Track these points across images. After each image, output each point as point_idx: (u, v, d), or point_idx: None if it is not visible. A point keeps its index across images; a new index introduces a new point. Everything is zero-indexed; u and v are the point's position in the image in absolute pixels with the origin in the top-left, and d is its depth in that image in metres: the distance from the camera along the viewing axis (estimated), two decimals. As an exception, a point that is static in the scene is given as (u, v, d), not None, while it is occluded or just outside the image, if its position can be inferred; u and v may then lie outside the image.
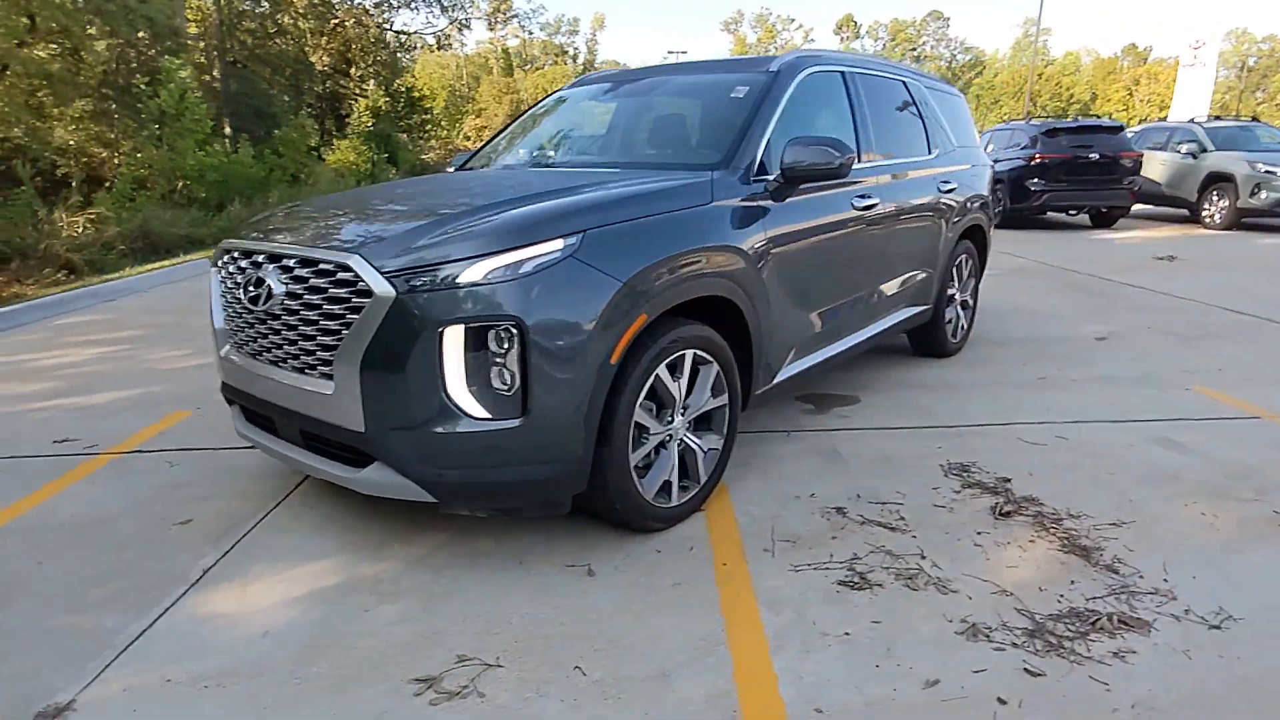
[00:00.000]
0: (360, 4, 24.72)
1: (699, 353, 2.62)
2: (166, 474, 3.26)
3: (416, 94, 26.85)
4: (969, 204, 4.61)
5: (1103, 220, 12.54)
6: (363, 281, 2.18)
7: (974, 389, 4.17)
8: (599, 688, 1.89)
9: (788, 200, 3.03)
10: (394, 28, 26.86)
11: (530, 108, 4.24)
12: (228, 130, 17.54)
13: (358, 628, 2.15)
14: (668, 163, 3.18)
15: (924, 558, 2.45)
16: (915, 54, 61.63)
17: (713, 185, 2.76)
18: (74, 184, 11.44)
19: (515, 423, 2.17)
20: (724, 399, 2.78)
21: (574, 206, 2.40)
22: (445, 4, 27.09)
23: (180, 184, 12.17)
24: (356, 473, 2.35)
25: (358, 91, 24.63)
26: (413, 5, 26.52)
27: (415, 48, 29.36)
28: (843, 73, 3.69)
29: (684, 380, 2.59)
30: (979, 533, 2.61)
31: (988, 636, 2.04)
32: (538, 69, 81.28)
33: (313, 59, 23.32)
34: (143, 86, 13.52)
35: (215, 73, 19.74)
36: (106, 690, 1.91)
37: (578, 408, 2.23)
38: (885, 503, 2.84)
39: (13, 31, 12.92)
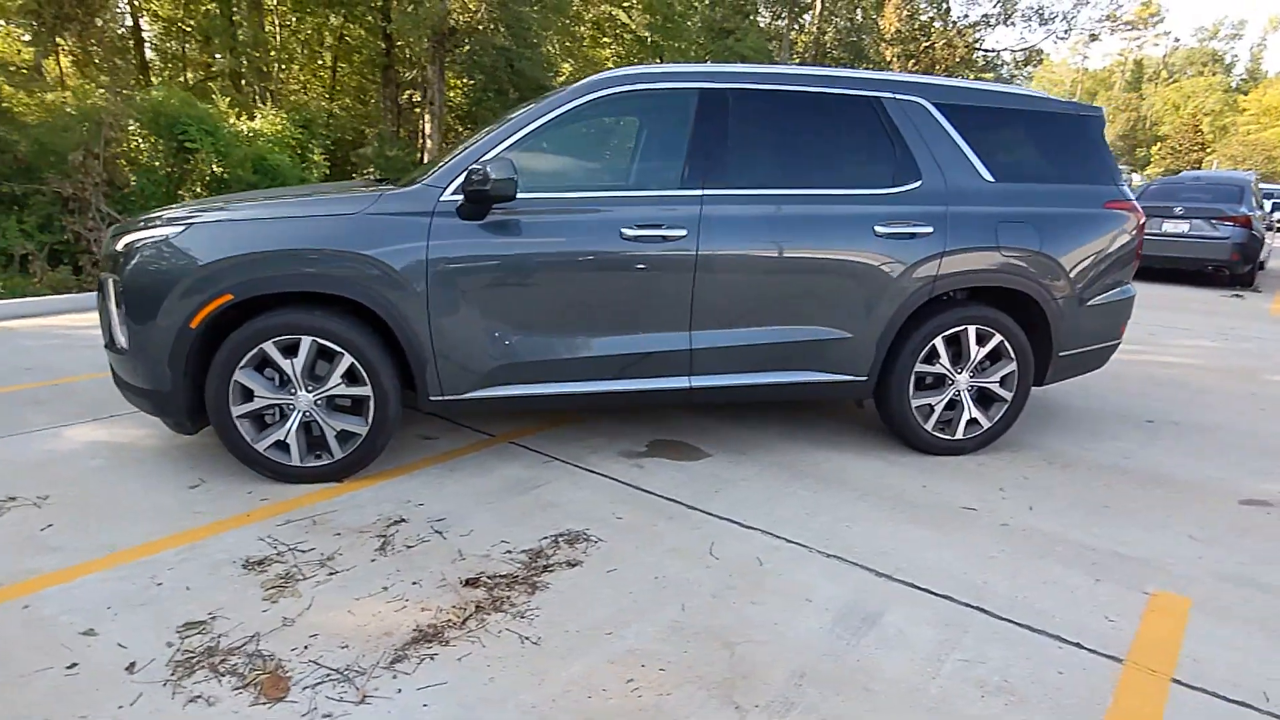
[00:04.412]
0: (955, 25, 24.79)
1: (322, 341, 3.00)
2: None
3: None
4: (981, 258, 3.36)
5: None
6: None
7: (846, 489, 3.22)
8: (49, 530, 2.70)
9: (487, 221, 3.05)
10: (983, 47, 26.37)
11: None
12: None
13: (75, 461, 3.31)
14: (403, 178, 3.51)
15: (332, 570, 2.49)
16: None
17: (377, 199, 3.04)
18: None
19: (125, 354, 3.04)
20: (365, 390, 3.08)
21: (214, 206, 3.08)
22: (1045, 16, 25.49)
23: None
24: (121, 372, 3.49)
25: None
26: (1009, 22, 25.43)
27: (1000, 65, 28.06)
28: (699, 90, 3.26)
29: (299, 361, 3.00)
30: (416, 584, 2.46)
31: (204, 629, 2.17)
32: (1174, 82, 67.68)
33: (891, 80, 24.85)
34: None
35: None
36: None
37: (159, 352, 2.94)
38: (439, 533, 2.79)
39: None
